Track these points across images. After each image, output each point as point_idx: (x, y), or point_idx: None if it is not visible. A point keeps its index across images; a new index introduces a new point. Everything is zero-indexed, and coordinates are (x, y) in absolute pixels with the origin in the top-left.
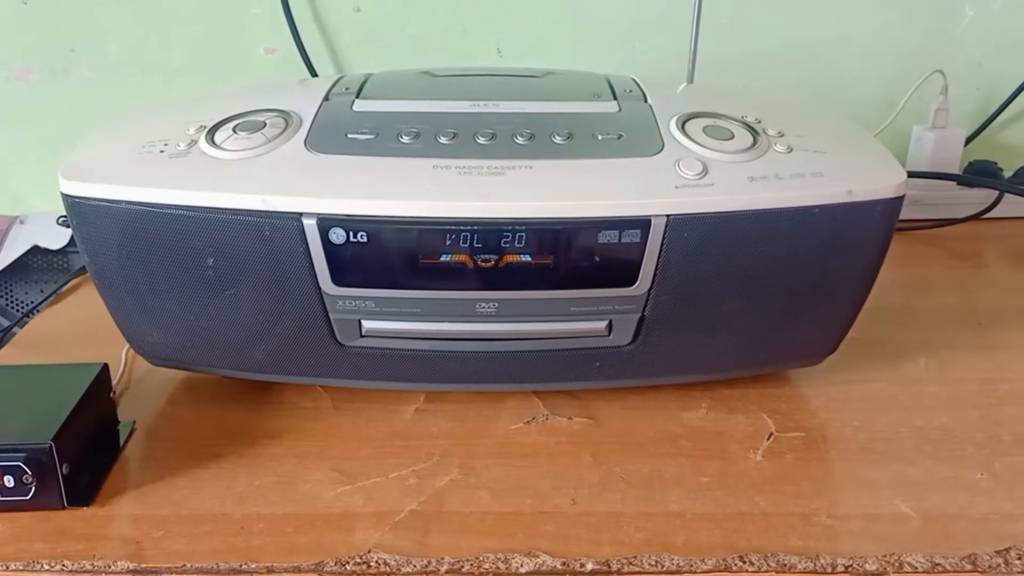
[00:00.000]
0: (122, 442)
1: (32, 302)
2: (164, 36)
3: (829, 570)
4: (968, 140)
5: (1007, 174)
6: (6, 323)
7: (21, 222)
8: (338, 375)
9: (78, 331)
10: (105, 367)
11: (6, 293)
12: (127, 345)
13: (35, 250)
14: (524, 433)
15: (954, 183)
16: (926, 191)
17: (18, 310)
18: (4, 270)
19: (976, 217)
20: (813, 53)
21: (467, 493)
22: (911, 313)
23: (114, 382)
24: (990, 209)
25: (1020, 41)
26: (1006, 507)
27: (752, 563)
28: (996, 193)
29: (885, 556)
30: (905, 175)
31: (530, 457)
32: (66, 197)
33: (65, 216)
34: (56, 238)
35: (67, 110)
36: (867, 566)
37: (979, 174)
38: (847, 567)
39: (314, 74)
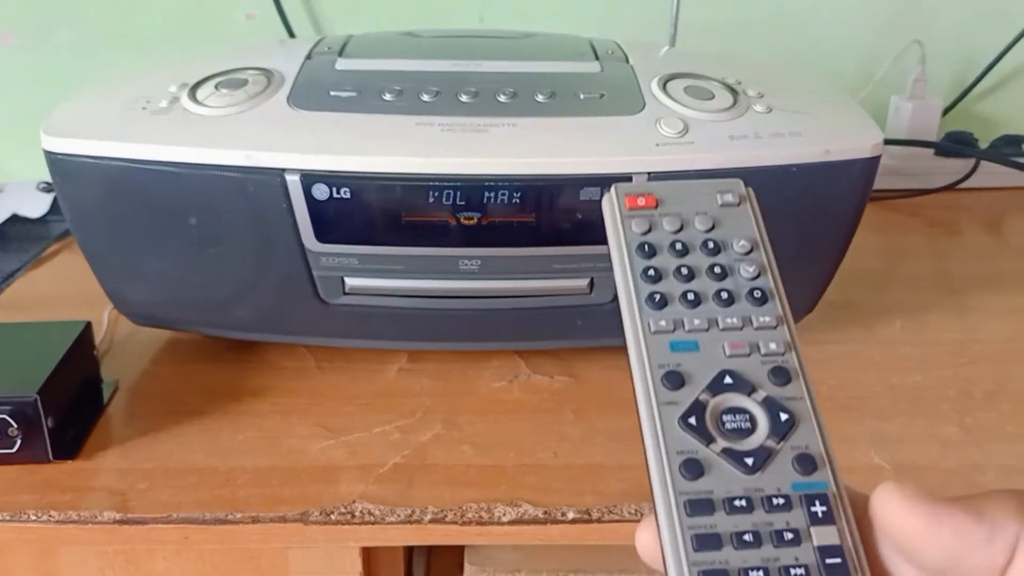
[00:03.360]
0: (105, 400)
1: (10, 271)
2: (144, 1)
3: None
4: (945, 111)
5: (983, 145)
6: None
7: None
8: (321, 333)
9: (58, 294)
10: (88, 325)
11: None
12: (109, 307)
13: (14, 219)
14: (507, 391)
15: (931, 153)
16: (904, 161)
17: None
18: None
19: (952, 187)
20: (792, 23)
21: (450, 447)
22: (888, 277)
23: (96, 342)
24: (966, 179)
25: (997, 12)
26: (976, 459)
27: None
28: (972, 164)
29: None
30: (882, 136)
31: (513, 414)
32: (48, 154)
33: (46, 182)
34: (36, 206)
35: (46, 76)
36: None
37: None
38: None
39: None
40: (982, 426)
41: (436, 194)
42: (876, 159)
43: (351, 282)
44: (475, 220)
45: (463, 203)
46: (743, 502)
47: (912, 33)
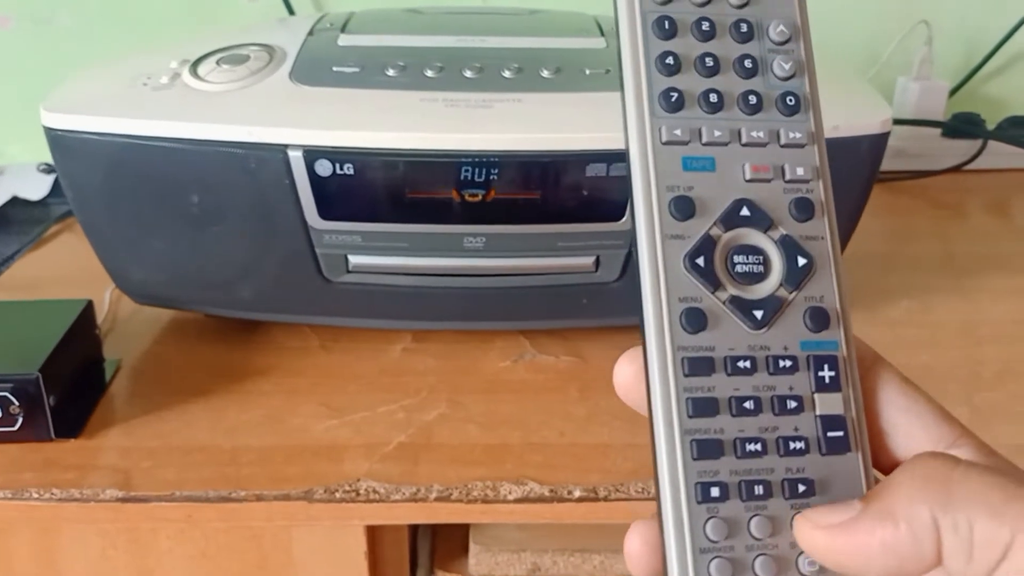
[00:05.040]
0: (108, 379)
1: (10, 253)
2: None
3: None
4: (952, 92)
5: (990, 127)
6: None
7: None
8: (325, 312)
9: (60, 274)
10: (90, 303)
11: None
12: (111, 286)
13: (14, 201)
14: (511, 371)
15: (938, 134)
16: (910, 142)
17: None
18: None
19: (959, 168)
20: None
21: (455, 426)
22: (894, 259)
23: (98, 322)
24: (973, 160)
25: None
26: (985, 438)
27: None
28: (979, 145)
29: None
30: (891, 112)
31: (518, 393)
32: (49, 131)
33: (47, 164)
34: (36, 189)
35: (46, 59)
36: None
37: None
38: None
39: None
40: (991, 406)
41: (441, 170)
42: (885, 135)
43: (355, 260)
44: (480, 197)
45: (468, 179)
46: (747, 362)
47: (918, 13)
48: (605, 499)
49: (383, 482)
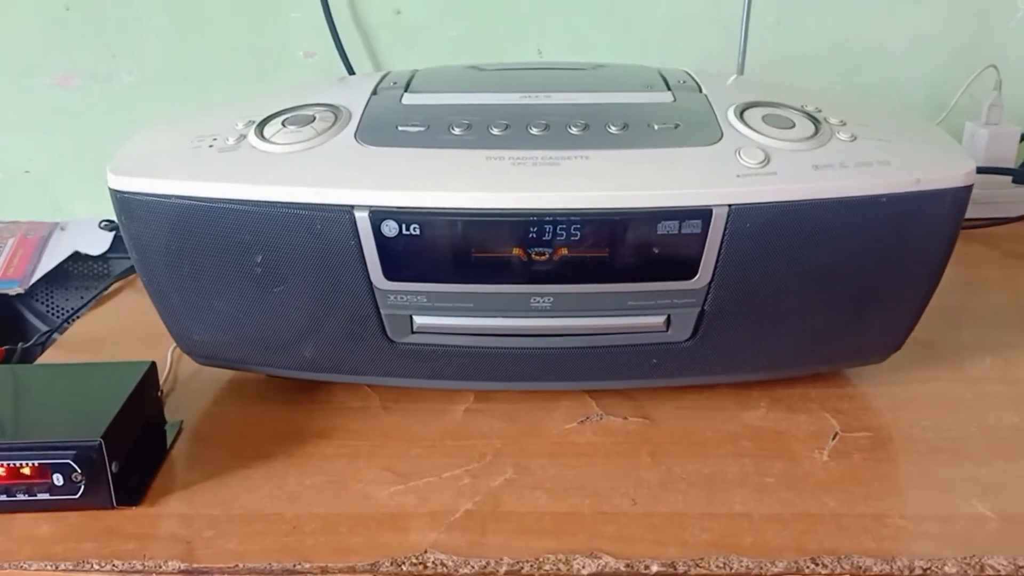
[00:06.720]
0: (169, 442)
1: (72, 308)
2: (204, 41)
3: (907, 573)
4: (1023, 137)
5: None
6: (46, 329)
7: (62, 228)
8: (388, 373)
9: (121, 333)
10: (153, 365)
11: (47, 299)
12: (172, 345)
13: (75, 256)
14: (578, 433)
15: (1009, 181)
16: (981, 189)
17: (58, 316)
18: (45, 276)
19: None
20: (861, 49)
21: (523, 493)
22: (969, 312)
23: (160, 382)
24: None
25: None
26: None
27: (825, 565)
28: None
29: (965, 558)
30: (974, 164)
31: (586, 457)
32: (114, 193)
33: (107, 220)
34: (96, 244)
35: (108, 116)
36: (946, 568)
37: None
38: (925, 570)
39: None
40: None
41: (507, 230)
42: (968, 188)
43: (420, 320)
44: (547, 256)
45: (535, 238)
46: None
47: (986, 58)
48: (684, 575)
49: (451, 554)
